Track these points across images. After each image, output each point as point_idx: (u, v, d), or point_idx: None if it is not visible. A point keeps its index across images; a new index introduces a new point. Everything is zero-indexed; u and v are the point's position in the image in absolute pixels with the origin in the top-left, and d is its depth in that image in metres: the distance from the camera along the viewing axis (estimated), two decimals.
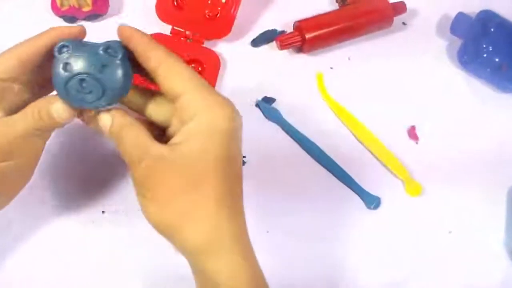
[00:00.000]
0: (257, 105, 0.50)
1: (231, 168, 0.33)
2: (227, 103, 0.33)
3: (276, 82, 0.51)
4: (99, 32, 0.50)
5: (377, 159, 0.49)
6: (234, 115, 0.33)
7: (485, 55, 0.51)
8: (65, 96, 0.33)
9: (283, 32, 0.52)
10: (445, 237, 0.48)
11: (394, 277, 0.46)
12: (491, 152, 0.50)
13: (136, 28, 0.34)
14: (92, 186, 0.45)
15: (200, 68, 0.50)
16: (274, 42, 0.51)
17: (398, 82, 0.52)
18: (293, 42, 0.50)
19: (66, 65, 0.32)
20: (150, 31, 0.49)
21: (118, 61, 0.33)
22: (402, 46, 0.53)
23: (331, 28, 0.51)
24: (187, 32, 0.50)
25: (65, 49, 0.33)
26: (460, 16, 0.52)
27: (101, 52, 0.32)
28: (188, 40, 0.50)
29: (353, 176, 0.48)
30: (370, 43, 0.53)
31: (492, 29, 0.51)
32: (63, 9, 0.49)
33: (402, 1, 0.53)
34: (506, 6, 0.53)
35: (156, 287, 0.43)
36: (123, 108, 0.35)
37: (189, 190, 0.32)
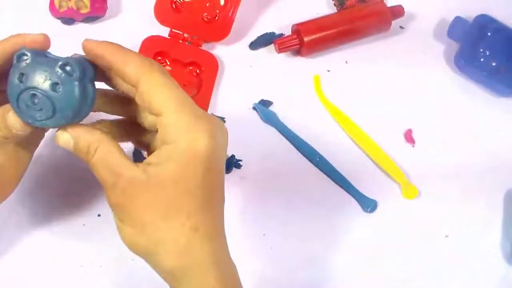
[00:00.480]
0: (254, 108, 0.50)
1: (208, 195, 0.32)
2: (208, 123, 0.32)
3: (274, 85, 0.51)
4: (97, 34, 0.51)
5: (374, 162, 0.49)
6: (215, 134, 0.32)
7: (482, 59, 0.51)
8: (16, 108, 0.31)
9: (281, 35, 0.52)
10: (442, 240, 0.48)
11: (391, 281, 0.46)
12: (487, 155, 0.51)
13: (105, 42, 0.32)
14: (87, 188, 0.45)
15: (198, 71, 0.50)
16: (272, 45, 0.52)
17: (395, 86, 0.52)
18: (291, 45, 0.51)
19: (21, 75, 0.30)
20: (148, 33, 0.50)
21: (74, 81, 0.30)
22: (400, 50, 0.53)
23: (329, 32, 0.51)
24: (186, 35, 0.50)
25: (24, 58, 0.30)
26: (457, 20, 0.52)
27: (57, 68, 0.30)
28: (186, 43, 0.50)
29: (349, 179, 0.48)
30: (368, 47, 0.53)
31: (489, 33, 0.52)
32: (61, 10, 0.49)
33: (400, 5, 0.53)
34: (503, 10, 0.53)
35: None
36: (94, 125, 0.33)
37: (164, 216, 0.31)
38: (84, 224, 0.45)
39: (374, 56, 0.53)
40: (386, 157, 0.49)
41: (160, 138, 0.32)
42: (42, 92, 0.30)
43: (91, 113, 0.34)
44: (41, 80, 0.30)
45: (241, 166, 0.48)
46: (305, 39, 0.50)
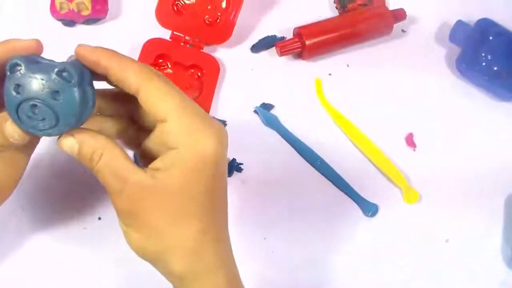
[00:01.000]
0: (256, 111, 0.50)
1: (215, 199, 0.32)
2: (212, 128, 0.32)
3: (275, 88, 0.51)
4: (98, 36, 0.51)
5: (375, 166, 0.49)
6: (220, 138, 0.32)
7: (483, 63, 0.51)
8: (17, 120, 0.30)
9: (283, 38, 0.52)
10: (442, 245, 0.48)
11: (392, 285, 0.46)
12: (488, 160, 0.51)
13: (99, 47, 0.31)
14: (87, 192, 0.45)
15: (199, 74, 0.50)
16: (273, 48, 0.51)
17: (396, 89, 0.52)
18: (292, 49, 0.50)
19: (18, 87, 0.29)
20: (149, 35, 0.49)
21: (73, 87, 0.29)
22: (401, 54, 0.53)
23: (331, 35, 0.51)
24: (187, 37, 0.50)
25: (18, 68, 0.29)
26: (459, 24, 0.52)
27: (54, 76, 0.29)
28: (187, 45, 0.50)
29: (351, 183, 0.48)
30: (369, 50, 0.53)
31: (490, 38, 0.52)
32: (62, 12, 0.49)
33: (401, 9, 0.53)
34: (504, 14, 0.53)
35: None
36: (88, 125, 0.33)
37: (173, 221, 0.31)
38: (85, 228, 0.44)
39: (376, 59, 0.53)
40: (387, 161, 0.49)
41: (166, 143, 0.32)
42: (42, 102, 0.29)
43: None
44: (39, 90, 0.29)
45: (242, 169, 0.47)
46: (307, 43, 0.50)
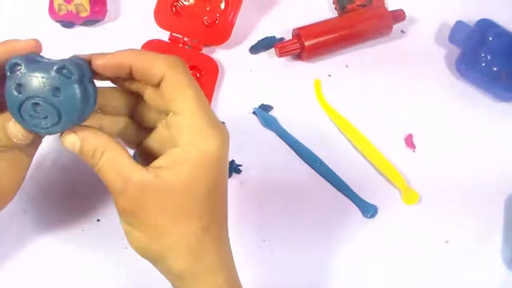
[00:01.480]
0: (254, 112, 0.49)
1: (217, 199, 0.32)
2: (220, 129, 0.32)
3: (274, 90, 0.50)
4: (97, 37, 0.51)
5: (374, 167, 0.49)
6: (224, 139, 0.32)
7: (483, 64, 0.51)
8: (20, 119, 0.30)
9: (282, 39, 0.52)
10: (442, 246, 0.48)
11: (391, 286, 0.46)
12: (488, 160, 0.50)
13: (118, 51, 0.32)
14: (86, 193, 0.45)
15: (198, 75, 0.49)
16: (272, 49, 0.51)
17: (395, 90, 0.52)
18: (291, 50, 0.50)
19: (19, 86, 0.29)
20: (148, 37, 0.49)
21: (74, 84, 0.29)
22: (401, 54, 0.53)
23: (330, 36, 0.51)
24: (186, 39, 0.50)
25: (18, 68, 0.29)
26: (459, 25, 0.52)
27: (53, 73, 0.29)
28: (186, 47, 0.50)
29: (350, 185, 0.48)
30: (369, 51, 0.53)
31: (490, 38, 0.51)
32: (61, 14, 0.49)
33: (401, 9, 0.53)
34: (504, 15, 0.53)
35: None
36: (93, 119, 0.33)
37: (176, 220, 0.31)
38: (83, 230, 0.44)
39: (375, 60, 0.53)
40: (386, 162, 0.49)
41: (171, 138, 0.32)
42: (44, 100, 0.29)
43: None
44: (40, 88, 0.29)
45: (241, 171, 0.47)
46: (306, 44, 0.50)
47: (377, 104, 0.51)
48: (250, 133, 0.49)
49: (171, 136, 0.32)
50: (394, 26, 0.52)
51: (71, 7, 0.49)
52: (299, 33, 0.50)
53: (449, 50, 0.53)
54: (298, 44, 0.50)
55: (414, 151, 0.50)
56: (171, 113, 0.32)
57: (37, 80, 0.29)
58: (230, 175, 0.47)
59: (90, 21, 0.50)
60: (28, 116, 0.30)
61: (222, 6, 0.50)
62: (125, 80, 0.33)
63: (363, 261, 0.46)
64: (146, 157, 0.34)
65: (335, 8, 0.53)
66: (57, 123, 0.30)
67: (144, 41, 0.49)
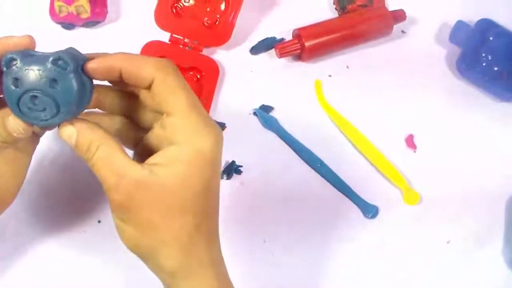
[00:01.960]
0: (255, 113, 0.49)
1: (210, 197, 0.33)
2: (214, 129, 0.33)
3: (274, 90, 0.50)
4: (97, 39, 0.51)
5: (375, 167, 0.49)
6: (218, 139, 0.33)
7: (484, 64, 0.51)
8: (19, 113, 0.31)
9: (282, 40, 0.52)
10: (443, 246, 0.47)
11: (392, 286, 0.46)
12: (489, 161, 0.50)
13: (108, 54, 0.32)
14: (87, 195, 0.45)
15: (198, 76, 0.50)
16: (273, 50, 0.51)
17: (396, 90, 0.52)
18: (292, 50, 0.50)
19: (16, 80, 0.30)
20: (148, 38, 0.49)
21: (70, 74, 0.30)
22: (401, 55, 0.53)
23: (330, 36, 0.51)
24: (186, 40, 0.50)
25: (13, 63, 0.30)
26: (459, 25, 0.52)
27: (49, 65, 0.30)
28: (187, 48, 0.50)
29: (350, 185, 0.48)
30: (369, 51, 0.53)
31: (491, 38, 0.51)
32: (61, 15, 0.49)
33: (401, 9, 0.53)
34: (505, 15, 0.53)
35: None
36: (90, 118, 0.33)
37: (168, 218, 0.31)
38: (84, 231, 0.44)
39: (376, 60, 0.53)
40: (387, 163, 0.49)
41: (167, 138, 0.32)
42: (42, 92, 0.30)
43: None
44: (37, 80, 0.30)
45: (242, 172, 0.47)
46: (306, 44, 0.50)
47: (378, 104, 0.51)
48: (251, 134, 0.49)
49: (167, 136, 0.32)
50: (395, 26, 0.52)
51: (71, 9, 0.49)
52: (300, 34, 0.50)
53: (450, 50, 0.53)
54: (298, 44, 0.50)
55: (415, 151, 0.50)
56: (165, 114, 0.32)
57: (33, 73, 0.29)
58: (230, 176, 0.47)
59: (90, 23, 0.50)
60: (27, 109, 0.30)
61: (223, 7, 0.50)
62: (119, 82, 0.33)
63: (364, 262, 0.46)
64: (143, 157, 0.34)
65: (336, 9, 0.53)
66: (56, 115, 0.31)
67: (145, 42, 0.49)
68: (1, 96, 0.33)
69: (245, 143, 0.48)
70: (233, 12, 0.49)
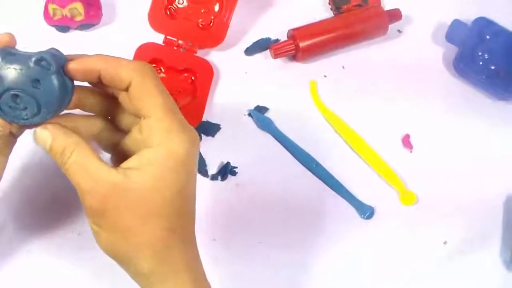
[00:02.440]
0: (250, 114, 0.49)
1: (185, 201, 0.33)
2: (189, 131, 0.33)
3: (269, 91, 0.50)
4: (92, 41, 0.51)
5: (371, 168, 0.49)
6: (194, 142, 0.33)
7: (481, 63, 0.51)
8: None
9: (277, 40, 0.52)
10: (440, 247, 0.47)
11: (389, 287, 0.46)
12: (486, 161, 0.50)
13: (88, 55, 0.33)
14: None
15: (193, 78, 0.49)
16: (268, 50, 0.51)
17: (392, 90, 0.51)
18: (287, 51, 0.50)
19: None
20: (142, 40, 0.49)
21: (52, 74, 0.30)
22: (397, 54, 0.53)
23: (325, 37, 0.50)
24: (180, 41, 0.50)
25: None
26: (456, 24, 0.52)
27: (32, 65, 0.30)
28: (181, 49, 0.50)
29: (346, 186, 0.48)
30: (365, 51, 0.53)
31: (488, 37, 0.51)
32: (56, 18, 0.49)
33: (397, 9, 0.52)
34: (502, 13, 0.52)
35: None
36: (69, 120, 0.33)
37: (144, 220, 0.31)
38: (79, 234, 0.44)
39: (371, 60, 0.52)
40: (383, 163, 0.49)
41: (143, 141, 0.32)
42: (23, 91, 0.30)
43: None
44: (20, 79, 0.30)
45: (237, 173, 0.47)
46: (301, 44, 0.50)
47: (374, 104, 0.51)
48: (246, 135, 0.49)
49: (143, 138, 0.32)
50: (391, 26, 0.52)
51: (65, 12, 0.49)
52: (294, 34, 0.50)
53: (447, 49, 0.53)
54: (293, 45, 0.50)
55: (411, 152, 0.50)
56: (142, 117, 0.32)
57: (15, 72, 0.30)
58: (225, 177, 0.47)
59: (85, 25, 0.50)
60: (7, 108, 0.31)
61: (217, 8, 0.50)
62: (98, 83, 0.33)
63: (360, 263, 0.46)
64: (119, 161, 0.34)
65: (331, 9, 0.53)
66: (36, 114, 0.31)
67: (139, 44, 0.49)
68: None
69: (240, 144, 0.48)
70: (227, 13, 0.49)
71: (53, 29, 0.50)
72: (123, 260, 0.33)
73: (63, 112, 0.34)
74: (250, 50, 0.51)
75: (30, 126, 0.33)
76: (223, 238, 0.45)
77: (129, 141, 0.35)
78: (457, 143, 0.50)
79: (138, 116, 0.33)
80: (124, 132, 0.36)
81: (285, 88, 0.51)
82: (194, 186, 0.34)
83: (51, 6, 0.49)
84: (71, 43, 0.50)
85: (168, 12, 0.50)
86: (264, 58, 0.51)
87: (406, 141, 0.50)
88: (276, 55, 0.50)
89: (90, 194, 0.31)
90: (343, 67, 0.52)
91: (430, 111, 0.51)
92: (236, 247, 0.45)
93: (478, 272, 0.47)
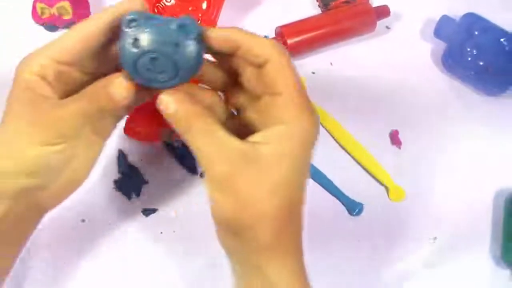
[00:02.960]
0: None
1: (305, 180, 0.33)
2: (315, 111, 0.33)
3: None
4: None
5: (360, 164, 0.49)
6: (318, 123, 0.33)
7: (469, 58, 0.51)
8: (135, 74, 0.31)
9: (265, 37, 0.52)
10: (430, 243, 0.47)
11: (378, 285, 0.46)
12: (475, 156, 0.50)
13: (231, 27, 0.33)
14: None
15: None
16: None
17: (381, 86, 0.51)
18: None
19: (135, 41, 0.30)
20: None
21: (193, 40, 0.30)
22: (386, 50, 0.53)
23: (313, 33, 0.50)
24: None
25: (134, 23, 0.30)
26: (444, 19, 0.52)
27: (174, 29, 0.30)
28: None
29: (335, 182, 0.48)
30: (353, 48, 0.53)
31: (476, 32, 0.51)
32: (44, 17, 0.49)
33: (385, 5, 0.52)
34: (490, 9, 0.52)
35: None
36: (189, 92, 0.33)
37: (270, 193, 0.31)
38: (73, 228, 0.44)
39: (360, 57, 0.52)
40: (372, 160, 0.49)
41: (272, 116, 0.32)
42: (163, 54, 0.30)
43: None
44: (160, 43, 0.30)
45: None
46: (289, 41, 0.50)
47: (362, 100, 0.51)
48: None
49: (270, 116, 0.32)
50: (379, 22, 0.52)
51: (53, 10, 0.49)
52: (282, 31, 0.50)
53: (435, 45, 0.53)
54: (281, 42, 0.50)
55: (400, 148, 0.50)
56: (267, 95, 0.32)
57: (156, 35, 0.30)
58: None
59: (73, 24, 0.50)
60: (144, 70, 0.30)
61: (204, 6, 0.50)
62: (227, 56, 0.33)
63: (349, 260, 0.46)
64: (238, 134, 0.33)
65: (319, 5, 0.53)
66: (173, 78, 0.31)
67: None
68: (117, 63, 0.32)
69: None
70: (215, 11, 0.49)
71: (42, 28, 0.50)
72: (242, 230, 0.31)
73: None
74: None
75: (163, 88, 0.32)
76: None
77: (241, 120, 0.35)
78: (446, 139, 0.50)
79: (263, 93, 0.33)
80: (230, 111, 0.36)
81: None
82: (310, 165, 0.34)
83: (39, 5, 0.49)
84: None
85: (156, 10, 0.50)
86: None
87: (395, 137, 0.50)
88: None
89: (218, 159, 0.31)
90: (331, 63, 0.52)
91: (419, 107, 0.51)
92: None
93: (468, 268, 0.47)
